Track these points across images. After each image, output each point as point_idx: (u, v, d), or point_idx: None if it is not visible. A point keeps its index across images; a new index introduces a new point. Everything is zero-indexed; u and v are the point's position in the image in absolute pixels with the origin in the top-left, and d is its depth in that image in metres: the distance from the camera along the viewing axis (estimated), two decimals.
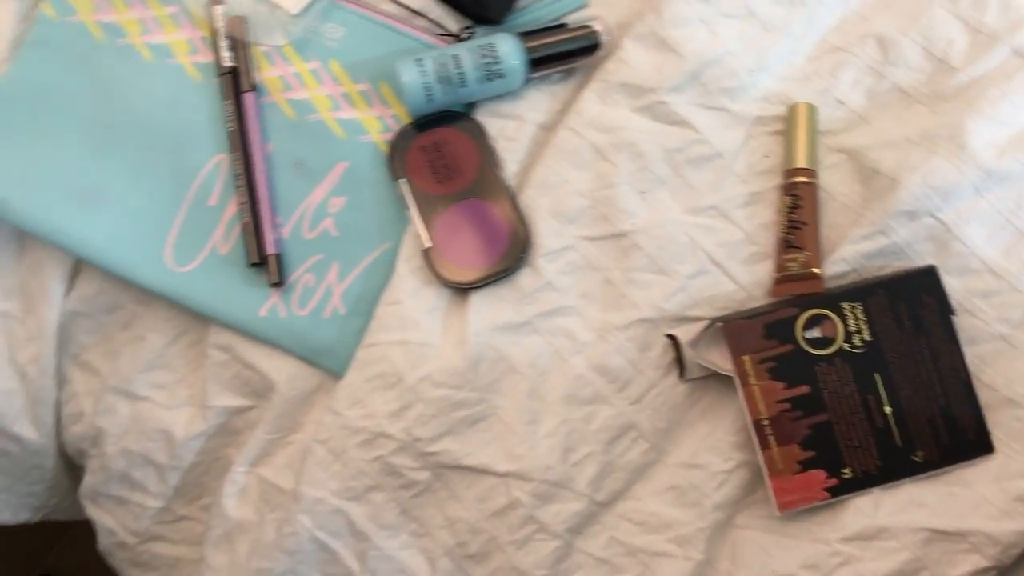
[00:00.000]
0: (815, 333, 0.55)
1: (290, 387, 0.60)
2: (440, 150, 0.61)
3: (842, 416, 0.54)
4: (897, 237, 0.56)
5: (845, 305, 0.55)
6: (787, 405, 0.54)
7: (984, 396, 0.55)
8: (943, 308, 0.54)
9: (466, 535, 0.58)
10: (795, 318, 0.55)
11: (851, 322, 0.55)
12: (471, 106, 0.62)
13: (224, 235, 0.61)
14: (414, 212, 0.60)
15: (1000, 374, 0.55)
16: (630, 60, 0.61)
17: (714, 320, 0.56)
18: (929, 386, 0.54)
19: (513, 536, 0.57)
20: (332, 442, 0.58)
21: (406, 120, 0.62)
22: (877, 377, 0.54)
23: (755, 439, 0.55)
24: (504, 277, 0.59)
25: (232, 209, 0.61)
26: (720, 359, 0.56)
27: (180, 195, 0.61)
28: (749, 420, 0.55)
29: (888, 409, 0.54)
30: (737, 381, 0.55)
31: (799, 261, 0.57)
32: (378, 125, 0.62)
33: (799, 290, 0.57)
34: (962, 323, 0.56)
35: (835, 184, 0.59)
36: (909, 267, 0.56)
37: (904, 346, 0.54)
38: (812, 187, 0.58)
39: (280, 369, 0.60)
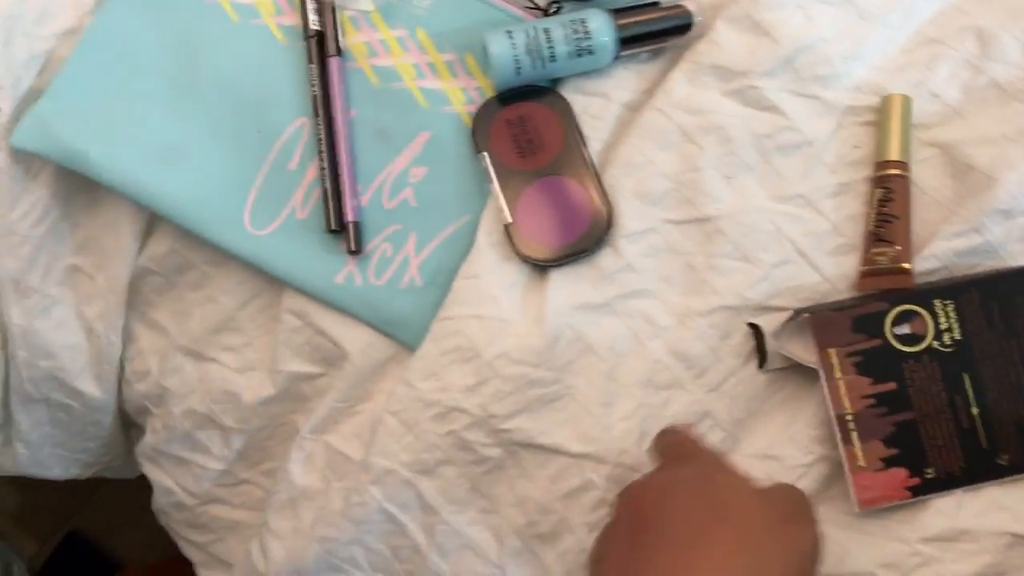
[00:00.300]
0: (904, 329, 0.54)
1: (363, 356, 0.60)
2: (524, 125, 0.60)
3: (928, 415, 0.53)
4: (991, 236, 0.55)
5: (937, 302, 0.54)
6: (872, 401, 0.53)
7: None
8: None
9: (536, 515, 0.57)
10: (885, 313, 0.54)
11: (942, 320, 0.54)
12: (556, 82, 0.61)
13: (303, 200, 0.61)
14: (496, 186, 0.59)
15: None
16: (722, 42, 0.59)
17: (798, 311, 0.55)
18: (1018, 388, 0.53)
19: (585, 518, 0.57)
20: (405, 414, 0.57)
21: (490, 93, 0.61)
22: (966, 377, 0.53)
23: (837, 434, 0.54)
24: (584, 256, 0.58)
25: (312, 174, 0.61)
26: (803, 351, 0.55)
27: (261, 157, 0.61)
28: (832, 414, 0.54)
29: (975, 410, 0.53)
30: (822, 374, 0.54)
31: (888, 255, 0.56)
32: (462, 97, 0.61)
33: (887, 285, 0.56)
34: None
35: (927, 179, 0.58)
36: (1003, 267, 0.55)
37: (995, 346, 0.53)
38: (905, 180, 0.57)
39: (353, 338, 0.60)
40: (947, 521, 0.53)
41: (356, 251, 0.59)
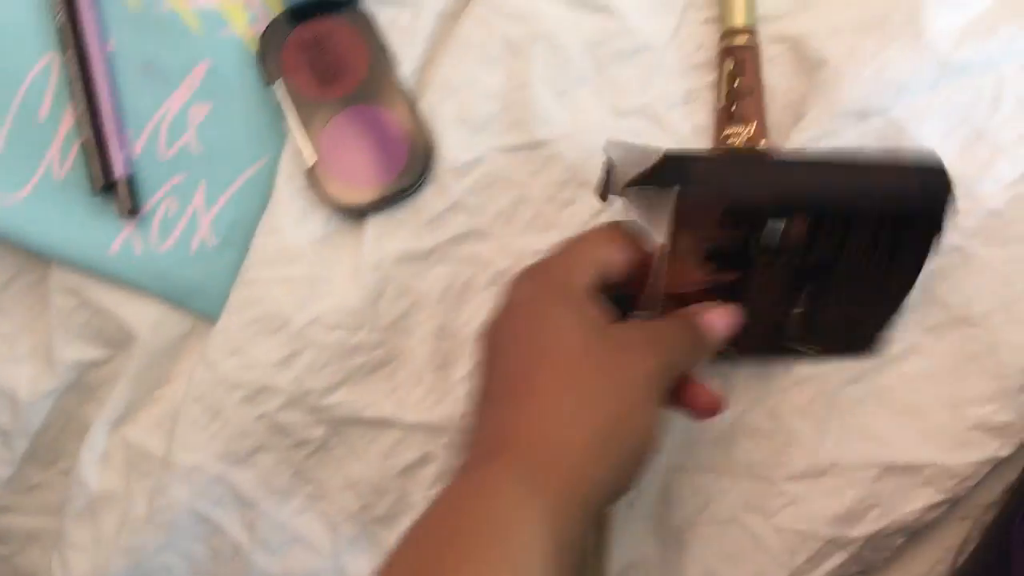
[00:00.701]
0: (774, 236, 0.47)
1: (154, 335, 0.51)
2: (322, 46, 0.51)
3: (754, 310, 0.47)
4: (845, 139, 0.50)
5: (826, 222, 0.47)
6: (704, 286, 0.47)
7: (937, 314, 0.50)
8: (927, 249, 0.48)
9: (371, 496, 0.51)
10: (763, 212, 0.47)
11: (821, 242, 0.47)
12: None
13: (60, 155, 0.51)
14: (293, 122, 0.50)
15: (955, 290, 0.50)
16: None
17: (668, 157, 0.44)
18: (859, 302, 0.48)
19: (426, 494, 0.50)
20: (208, 398, 0.49)
21: (277, 9, 0.52)
22: (809, 286, 0.48)
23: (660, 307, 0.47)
24: (404, 197, 0.51)
25: (68, 123, 0.51)
26: (650, 218, 0.47)
27: (1, 107, 0.50)
28: (660, 291, 0.47)
29: (798, 310, 0.48)
30: (661, 253, 0.46)
31: (741, 136, 0.50)
32: (243, 16, 0.52)
33: None
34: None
35: (777, 78, 0.52)
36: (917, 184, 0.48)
37: (859, 278, 0.48)
38: (754, 51, 0.51)
39: (140, 314, 0.51)
40: (811, 457, 0.49)
41: (132, 212, 0.50)
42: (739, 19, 0.51)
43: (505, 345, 0.41)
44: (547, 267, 0.43)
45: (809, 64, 0.51)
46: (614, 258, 0.44)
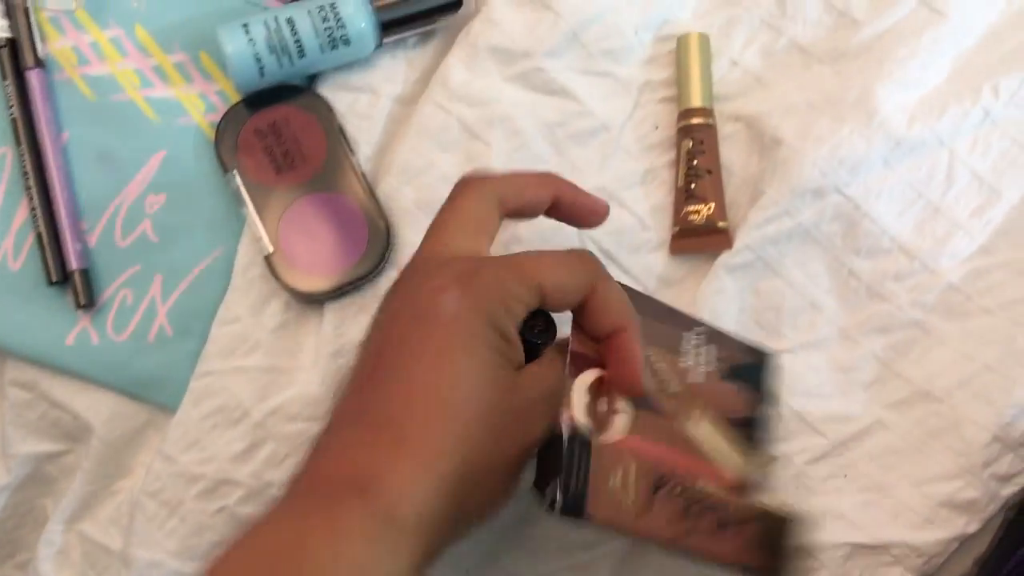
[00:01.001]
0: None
1: (110, 428, 0.50)
2: (279, 133, 0.51)
3: None
4: (803, 218, 0.50)
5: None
6: None
7: (899, 389, 0.50)
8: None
9: None
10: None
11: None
12: (314, 77, 0.53)
13: (14, 248, 0.50)
14: (251, 210, 0.50)
15: (916, 365, 0.50)
16: (499, 20, 0.52)
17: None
18: None
19: None
20: (166, 493, 0.48)
21: (235, 97, 0.52)
22: None
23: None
24: (364, 283, 0.50)
25: (23, 215, 0.50)
26: None
27: None
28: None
29: None
30: None
31: (702, 214, 0.51)
32: (200, 104, 0.52)
33: (702, 247, 0.51)
34: (874, 310, 0.50)
35: (733, 156, 0.53)
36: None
37: None
38: (712, 130, 0.52)
39: (96, 407, 0.50)
40: None
41: (87, 305, 0.49)
42: (696, 100, 0.52)
43: (404, 360, 0.37)
44: (483, 287, 0.38)
45: (765, 143, 0.52)
46: (562, 282, 0.40)
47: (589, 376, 0.42)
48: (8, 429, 0.51)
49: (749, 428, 0.47)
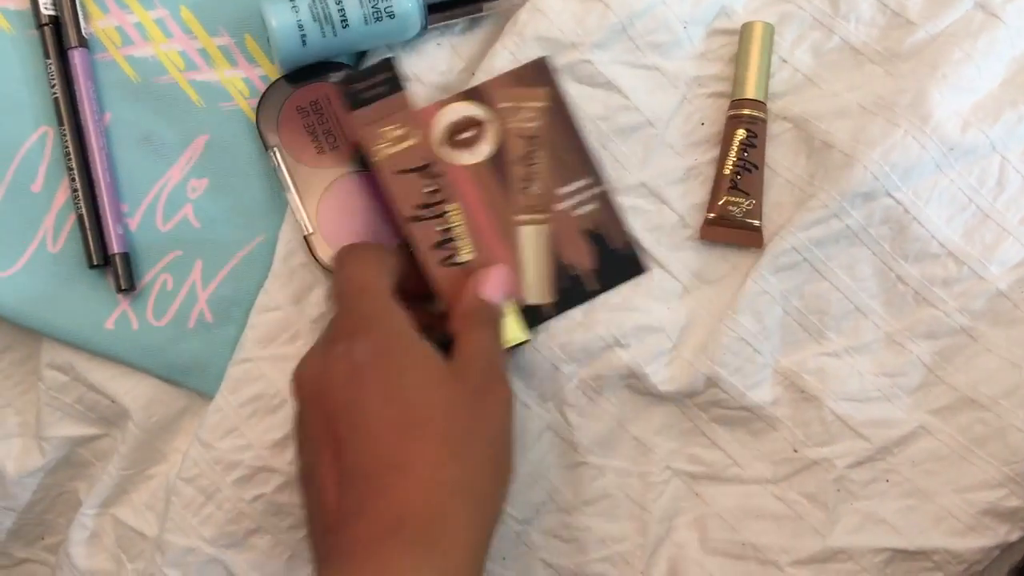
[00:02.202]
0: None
1: (147, 413, 0.50)
2: (321, 112, 0.51)
3: None
4: (851, 221, 0.50)
5: None
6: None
7: (944, 396, 0.50)
8: None
9: None
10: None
11: None
12: (360, 58, 0.52)
13: (55, 229, 0.50)
14: (291, 189, 0.49)
15: (962, 371, 0.50)
16: (547, 9, 0.51)
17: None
18: None
19: None
20: (202, 479, 0.48)
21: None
22: None
23: None
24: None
25: (63, 196, 0.50)
26: None
27: None
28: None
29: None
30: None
31: (742, 207, 0.50)
32: (244, 89, 0.51)
33: (734, 240, 0.51)
34: (921, 315, 0.50)
35: (778, 158, 0.52)
36: None
37: None
38: (764, 125, 0.51)
39: (134, 392, 0.50)
40: (819, 542, 0.49)
41: (128, 289, 0.49)
42: (752, 91, 0.51)
43: (364, 405, 0.39)
44: (368, 320, 0.41)
45: (815, 145, 0.51)
46: (394, 266, 0.45)
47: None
48: (44, 411, 0.50)
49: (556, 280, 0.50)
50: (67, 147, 0.49)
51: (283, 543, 0.49)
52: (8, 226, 0.49)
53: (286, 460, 0.48)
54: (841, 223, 0.50)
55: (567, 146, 0.50)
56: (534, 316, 0.49)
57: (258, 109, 0.50)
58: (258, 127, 0.50)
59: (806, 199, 0.51)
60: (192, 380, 0.50)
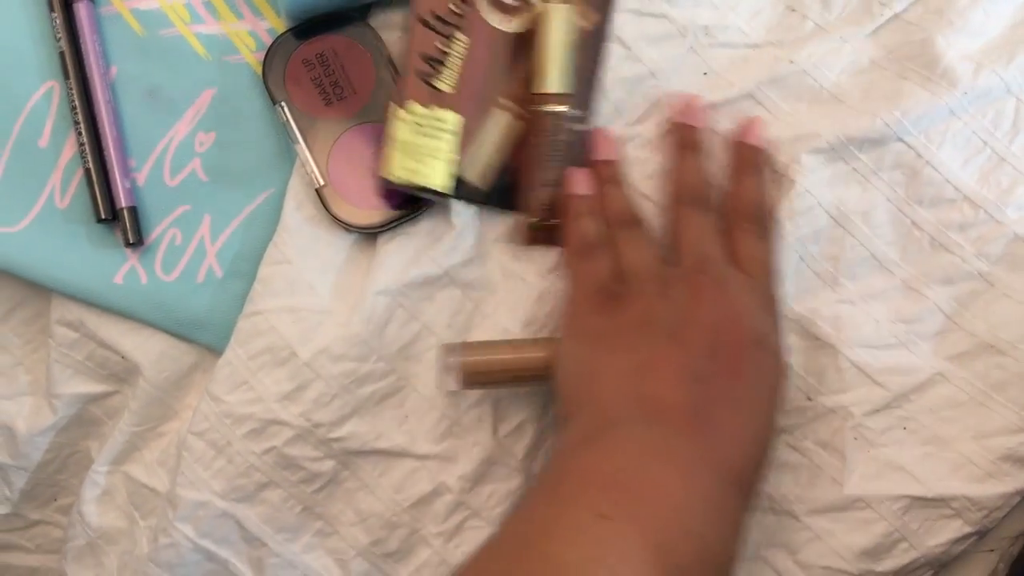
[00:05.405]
0: None
1: (158, 369, 0.50)
2: (328, 64, 0.50)
3: None
4: (858, 164, 0.49)
5: None
6: None
7: (962, 342, 0.49)
8: None
9: (382, 530, 0.49)
10: None
11: None
12: (366, 10, 0.51)
13: (62, 184, 0.49)
14: (300, 142, 0.49)
15: (979, 317, 0.49)
16: None
17: None
18: None
19: (439, 527, 0.49)
20: (213, 433, 0.48)
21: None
22: None
23: None
24: (415, 217, 0.49)
25: (70, 151, 0.49)
26: None
27: (1, 134, 0.49)
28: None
29: None
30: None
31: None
32: (250, 42, 0.51)
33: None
34: (938, 261, 0.49)
35: (782, 104, 0.51)
36: None
37: None
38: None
39: (144, 347, 0.50)
40: (836, 491, 0.48)
41: (136, 243, 0.49)
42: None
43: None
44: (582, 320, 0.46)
45: (823, 97, 0.50)
46: None
47: None
48: (54, 368, 0.50)
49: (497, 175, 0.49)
50: (73, 101, 0.49)
51: (294, 497, 0.49)
52: (16, 182, 0.49)
53: (296, 412, 0.48)
54: (848, 166, 0.49)
55: (581, 75, 0.50)
56: (462, 189, 0.49)
57: (264, 62, 0.50)
58: (265, 81, 0.50)
59: (813, 139, 0.50)
60: (203, 335, 0.50)
